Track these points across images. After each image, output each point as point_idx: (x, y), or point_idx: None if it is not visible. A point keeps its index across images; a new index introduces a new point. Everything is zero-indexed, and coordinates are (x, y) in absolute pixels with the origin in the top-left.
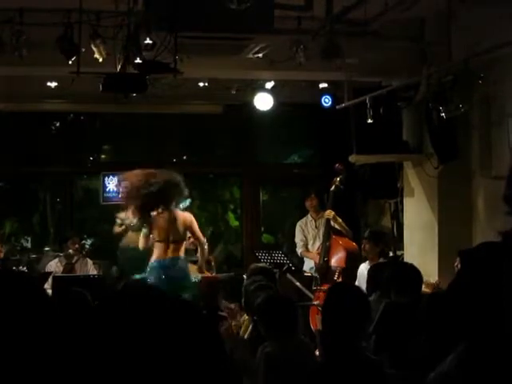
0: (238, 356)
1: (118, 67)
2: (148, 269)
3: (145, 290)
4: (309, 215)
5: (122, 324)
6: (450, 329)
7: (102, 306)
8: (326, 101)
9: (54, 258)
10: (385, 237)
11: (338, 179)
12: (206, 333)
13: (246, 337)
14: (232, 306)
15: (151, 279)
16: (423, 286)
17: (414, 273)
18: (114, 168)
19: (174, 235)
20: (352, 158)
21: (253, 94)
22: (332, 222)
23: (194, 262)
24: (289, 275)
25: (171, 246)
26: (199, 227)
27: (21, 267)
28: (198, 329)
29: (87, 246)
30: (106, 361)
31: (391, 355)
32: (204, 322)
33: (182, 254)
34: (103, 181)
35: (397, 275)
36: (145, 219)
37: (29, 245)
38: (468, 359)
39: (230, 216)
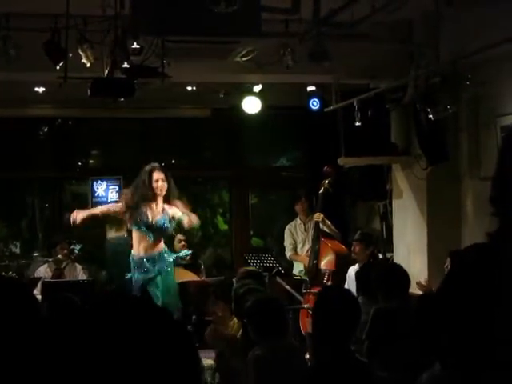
0: (228, 359)
1: (106, 72)
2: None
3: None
4: (298, 218)
5: (99, 331)
6: (439, 331)
7: (85, 314)
8: (314, 104)
9: (43, 263)
10: (375, 239)
11: (327, 182)
12: (178, 342)
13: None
14: (222, 309)
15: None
16: (415, 288)
17: (400, 274)
18: (103, 173)
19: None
20: (340, 161)
21: (241, 97)
22: (321, 225)
23: (185, 266)
24: (278, 278)
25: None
26: None
27: (10, 273)
28: (170, 338)
29: (76, 251)
30: (85, 367)
31: (382, 358)
32: (178, 331)
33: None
34: (92, 186)
35: (383, 277)
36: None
37: (17, 250)
38: (458, 361)
39: (219, 220)
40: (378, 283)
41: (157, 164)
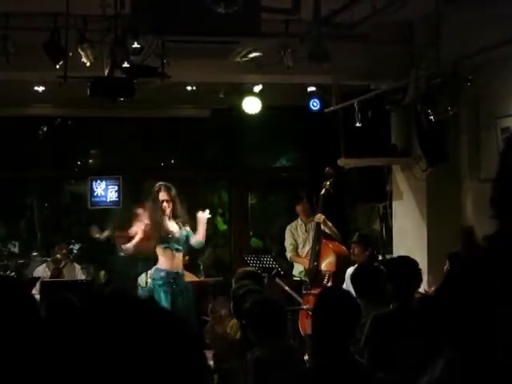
0: (226, 360)
1: (106, 71)
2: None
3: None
4: (299, 219)
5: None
6: (439, 332)
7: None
8: (314, 104)
9: (42, 263)
10: (373, 240)
11: (329, 183)
12: (184, 344)
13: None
14: (220, 310)
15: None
16: None
17: (413, 267)
18: (102, 172)
19: None
20: (341, 162)
21: (241, 97)
22: (322, 226)
23: (184, 267)
24: (278, 279)
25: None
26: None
27: (8, 272)
28: (176, 340)
29: (75, 251)
30: (83, 367)
31: (382, 360)
32: (184, 333)
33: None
34: (91, 185)
35: (395, 271)
36: None
37: (16, 250)
38: (458, 364)
39: (219, 220)
40: (390, 278)
41: (162, 183)
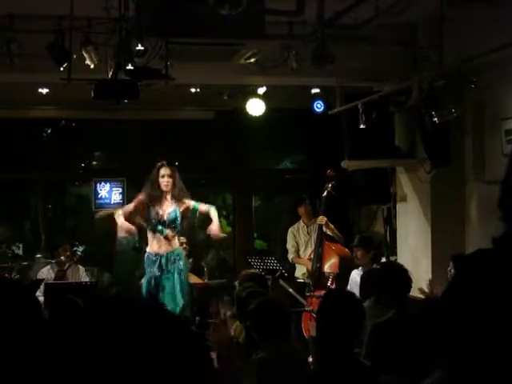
0: (230, 362)
1: (110, 73)
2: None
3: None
4: (301, 221)
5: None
6: (443, 336)
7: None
8: (318, 106)
9: (46, 264)
10: (376, 242)
11: (330, 185)
12: (191, 348)
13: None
14: (224, 312)
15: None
16: (417, 292)
17: (401, 274)
18: (106, 174)
19: None
20: (344, 164)
21: (244, 99)
22: (324, 228)
23: None
24: (281, 281)
25: None
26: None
27: (13, 275)
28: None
29: (79, 253)
30: (87, 371)
31: (385, 362)
32: (190, 337)
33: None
34: (95, 187)
35: (385, 278)
36: None
37: (20, 252)
38: (460, 367)
39: (222, 222)
40: (380, 285)
41: (165, 161)
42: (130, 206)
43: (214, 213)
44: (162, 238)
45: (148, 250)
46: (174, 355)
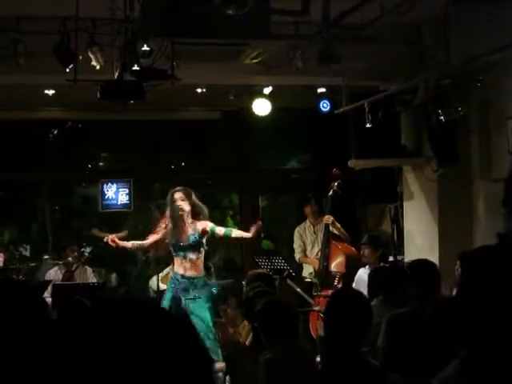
0: (238, 362)
1: (116, 74)
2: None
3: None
4: (307, 221)
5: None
6: (454, 333)
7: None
8: (324, 106)
9: (53, 266)
10: (383, 241)
11: (336, 184)
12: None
13: (246, 343)
14: (232, 312)
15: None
16: None
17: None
18: (113, 175)
19: None
20: (351, 163)
21: (250, 99)
22: (331, 227)
23: None
24: (289, 281)
25: None
26: None
27: (20, 276)
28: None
29: (86, 254)
30: (94, 372)
31: (396, 360)
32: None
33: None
34: (102, 188)
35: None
36: None
37: (28, 253)
38: (471, 364)
39: (229, 222)
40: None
41: (178, 187)
42: (144, 244)
43: (235, 232)
44: (185, 261)
45: (175, 269)
46: (179, 357)
